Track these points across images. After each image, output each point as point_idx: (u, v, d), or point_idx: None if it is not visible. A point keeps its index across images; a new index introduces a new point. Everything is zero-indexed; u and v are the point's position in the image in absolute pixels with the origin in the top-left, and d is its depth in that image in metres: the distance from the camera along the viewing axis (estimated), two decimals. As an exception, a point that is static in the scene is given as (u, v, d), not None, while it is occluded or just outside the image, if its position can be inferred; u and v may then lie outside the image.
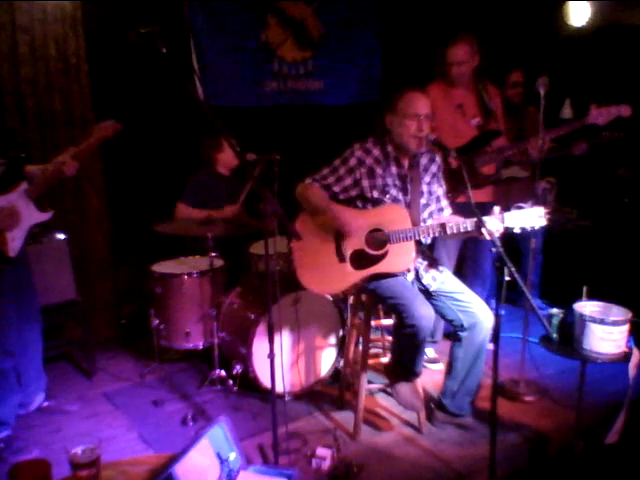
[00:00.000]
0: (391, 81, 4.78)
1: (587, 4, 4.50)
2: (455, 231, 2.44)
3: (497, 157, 3.23)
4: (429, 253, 2.78)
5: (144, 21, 1.92)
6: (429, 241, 2.70)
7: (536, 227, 2.34)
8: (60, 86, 3.55)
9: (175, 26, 3.93)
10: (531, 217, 2.32)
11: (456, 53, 3.21)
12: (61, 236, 3.27)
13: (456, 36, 3.24)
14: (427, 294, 2.60)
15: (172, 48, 1.90)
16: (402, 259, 2.55)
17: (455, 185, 2.98)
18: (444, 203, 2.73)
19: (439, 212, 2.71)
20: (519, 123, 3.75)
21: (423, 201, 2.65)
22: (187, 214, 3.55)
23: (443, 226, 2.46)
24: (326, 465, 2.41)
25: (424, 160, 2.68)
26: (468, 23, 4.42)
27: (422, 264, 2.66)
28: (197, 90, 3.97)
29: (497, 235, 2.22)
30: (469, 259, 3.45)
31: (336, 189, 2.61)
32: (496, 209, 2.36)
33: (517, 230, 2.34)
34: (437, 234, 2.49)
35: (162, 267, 3.39)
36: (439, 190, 2.72)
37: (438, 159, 2.73)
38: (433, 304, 2.57)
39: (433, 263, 2.69)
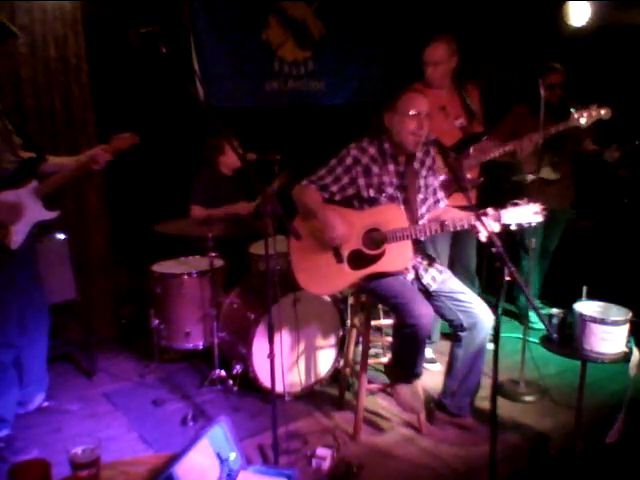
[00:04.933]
0: (391, 81, 4.78)
1: (587, 4, 4.49)
2: (452, 229, 2.46)
3: (480, 160, 3.20)
4: (428, 253, 2.78)
5: (144, 21, 1.92)
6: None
7: (533, 224, 2.35)
8: (60, 86, 3.55)
9: (175, 26, 3.93)
10: (527, 214, 2.33)
11: (433, 53, 3.12)
12: (61, 236, 3.27)
13: (434, 36, 3.14)
14: (427, 294, 2.60)
15: (172, 48, 1.90)
16: (400, 258, 2.54)
17: (447, 187, 2.95)
18: (440, 195, 2.74)
19: (435, 204, 2.72)
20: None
21: (421, 196, 2.66)
22: (203, 214, 3.52)
23: (441, 225, 2.46)
24: (326, 465, 2.41)
25: (420, 154, 2.68)
26: (468, 23, 4.42)
27: (422, 264, 2.66)
28: (197, 90, 3.97)
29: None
30: (455, 260, 3.41)
31: (334, 189, 2.61)
32: (489, 210, 2.38)
33: (513, 227, 2.35)
34: (434, 232, 2.49)
35: (162, 267, 3.39)
36: (435, 182, 2.73)
37: (432, 151, 2.72)
38: (433, 304, 2.56)
39: (433, 263, 2.69)
